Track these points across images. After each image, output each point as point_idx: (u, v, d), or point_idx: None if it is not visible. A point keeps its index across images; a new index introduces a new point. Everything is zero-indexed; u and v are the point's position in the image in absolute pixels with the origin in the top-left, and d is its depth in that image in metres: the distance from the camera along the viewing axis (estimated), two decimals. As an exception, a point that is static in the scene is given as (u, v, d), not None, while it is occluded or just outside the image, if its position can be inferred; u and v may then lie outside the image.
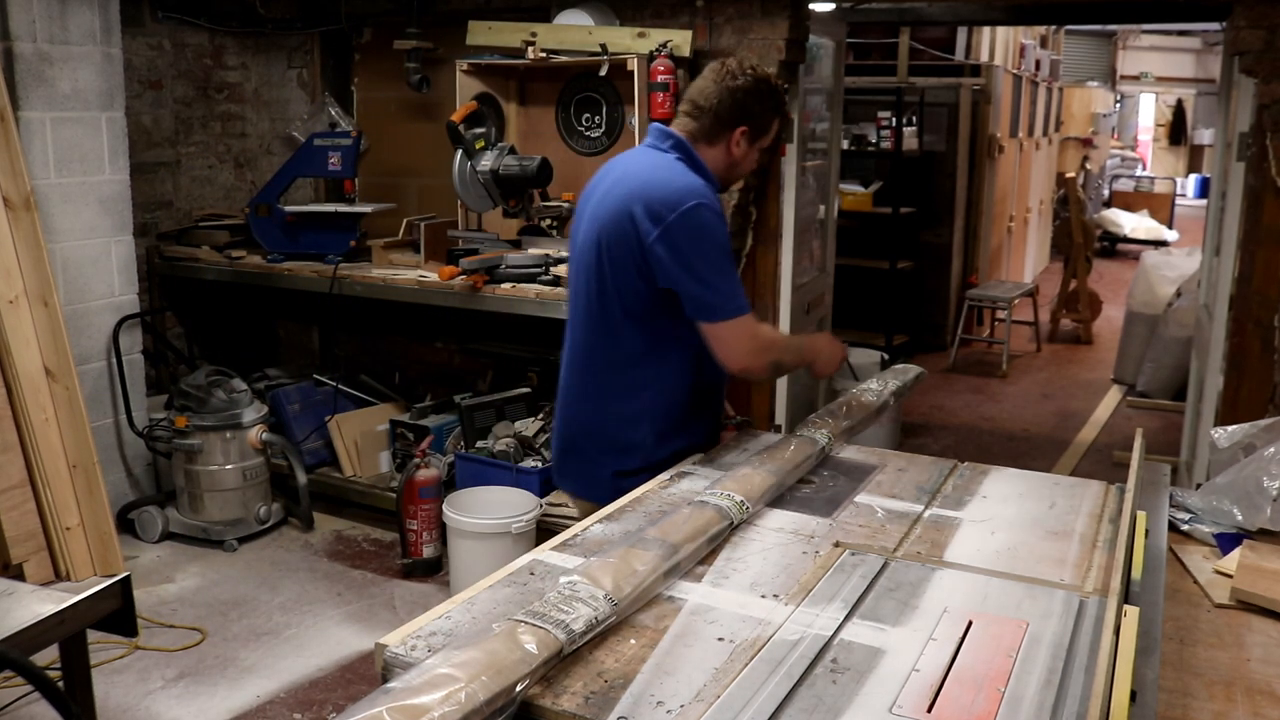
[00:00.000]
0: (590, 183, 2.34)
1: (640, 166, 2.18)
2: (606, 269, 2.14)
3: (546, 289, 3.95)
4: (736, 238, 4.52)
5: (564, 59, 4.29)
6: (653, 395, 2.23)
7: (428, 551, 4.07)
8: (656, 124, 2.27)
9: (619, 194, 2.14)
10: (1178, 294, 6.61)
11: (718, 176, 2.23)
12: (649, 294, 2.12)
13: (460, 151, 4.16)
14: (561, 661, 1.34)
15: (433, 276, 4.19)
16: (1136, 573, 1.65)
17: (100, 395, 4.24)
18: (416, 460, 4.12)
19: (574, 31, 4.29)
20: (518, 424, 4.38)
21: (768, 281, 4.64)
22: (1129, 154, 16.93)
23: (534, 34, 4.29)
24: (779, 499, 1.94)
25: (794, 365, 2.40)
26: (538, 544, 2.07)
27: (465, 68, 4.41)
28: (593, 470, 2.29)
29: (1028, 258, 10.05)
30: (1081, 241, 8.26)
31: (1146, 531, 1.83)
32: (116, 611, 2.12)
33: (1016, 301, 7.69)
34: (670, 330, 2.16)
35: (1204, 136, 17.41)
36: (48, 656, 2.15)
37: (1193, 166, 18.18)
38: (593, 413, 2.28)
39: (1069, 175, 9.14)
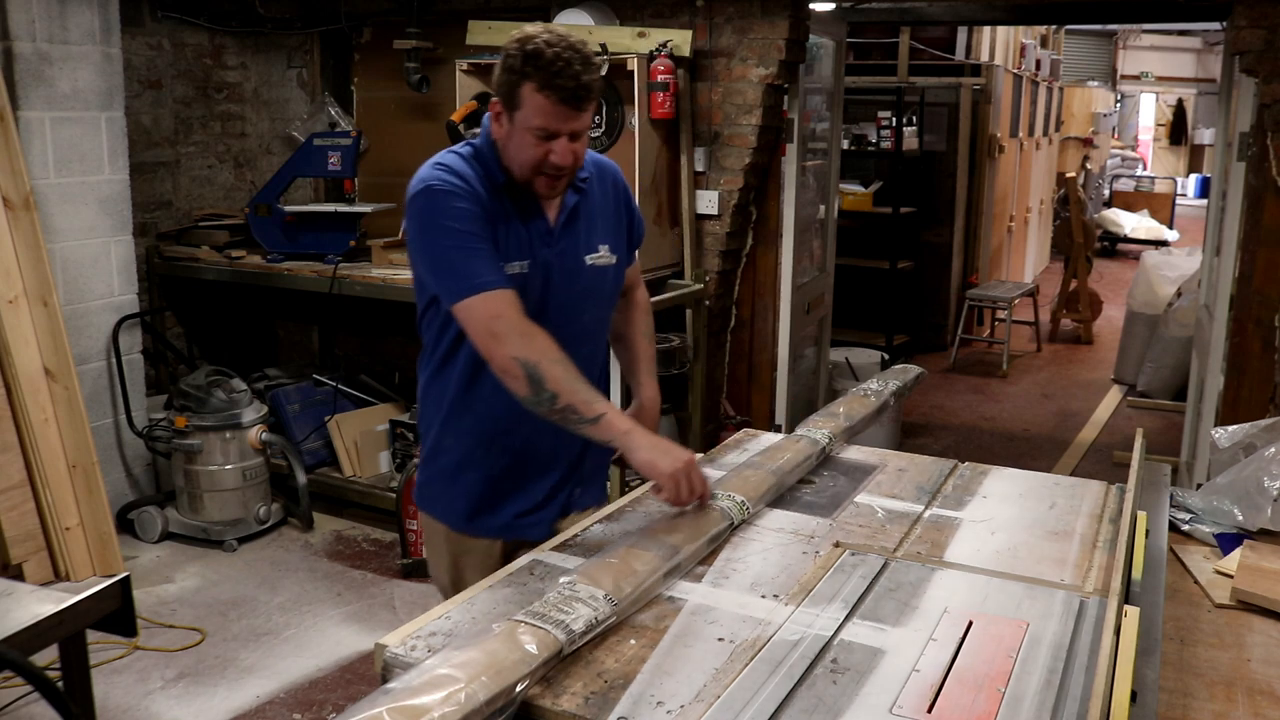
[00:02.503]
0: None
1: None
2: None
3: (546, 289, 3.94)
4: (736, 238, 4.53)
5: (564, 59, 4.28)
6: (433, 408, 2.19)
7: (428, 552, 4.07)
8: None
9: None
10: (1178, 294, 6.61)
11: (510, 164, 1.91)
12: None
13: (460, 151, 4.15)
14: (561, 662, 1.34)
15: (433, 276, 4.19)
16: (1137, 573, 1.64)
17: (100, 395, 4.24)
18: (416, 460, 4.12)
19: (574, 31, 4.29)
20: (518, 424, 4.37)
21: (768, 281, 4.64)
22: (1129, 154, 16.92)
23: (534, 34, 4.29)
24: (779, 499, 1.94)
25: (566, 407, 1.80)
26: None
27: (465, 67, 4.41)
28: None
29: (1028, 258, 10.05)
30: (1082, 241, 8.26)
31: (1147, 532, 1.82)
32: (116, 612, 2.12)
33: (1017, 301, 7.69)
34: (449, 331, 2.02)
35: (1204, 136, 17.41)
36: (47, 657, 2.15)
37: (1193, 166, 18.17)
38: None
39: (1069, 175, 9.14)
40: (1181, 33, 14.65)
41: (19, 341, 3.72)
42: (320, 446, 4.72)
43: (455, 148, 1.99)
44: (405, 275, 4.32)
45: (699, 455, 2.23)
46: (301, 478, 4.38)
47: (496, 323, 1.81)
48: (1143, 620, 1.44)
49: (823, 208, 5.13)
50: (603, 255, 2.02)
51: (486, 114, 1.94)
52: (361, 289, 4.39)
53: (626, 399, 2.30)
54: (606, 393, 2.14)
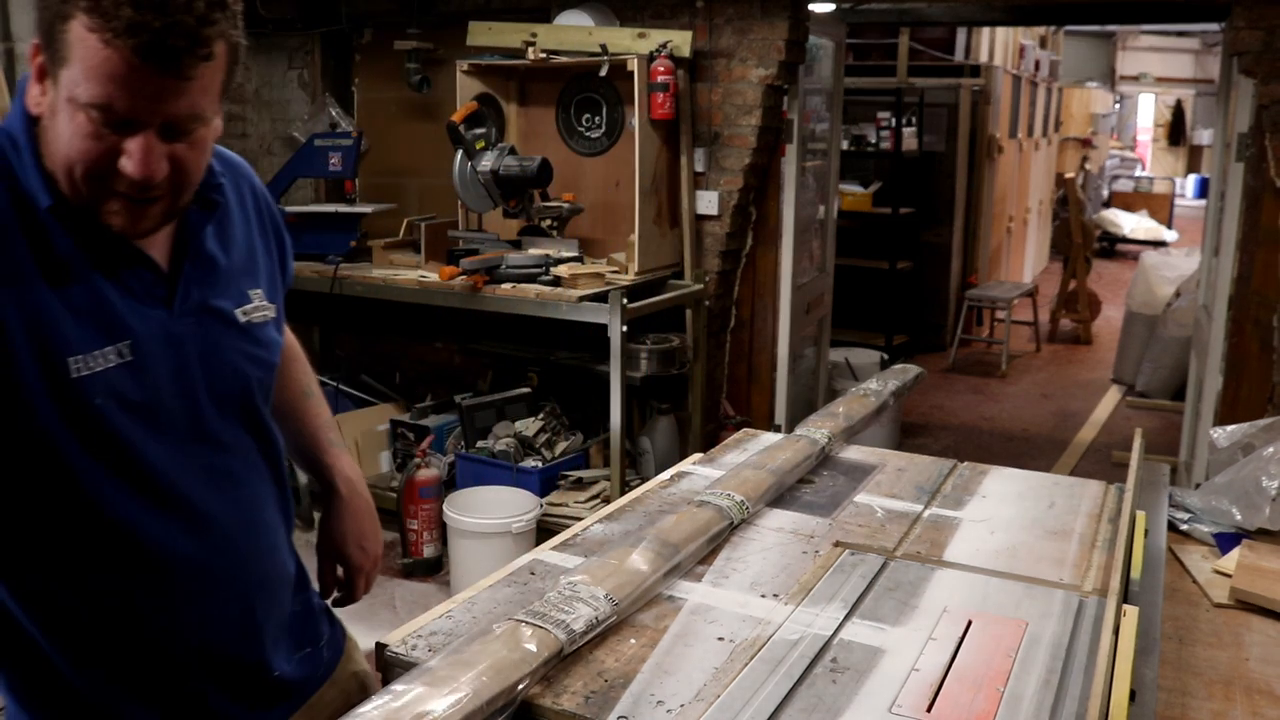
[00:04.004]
0: None
1: None
2: None
3: (546, 289, 3.95)
4: (736, 238, 4.53)
5: (564, 59, 4.29)
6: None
7: (428, 551, 4.07)
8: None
9: None
10: (1177, 294, 6.62)
11: (54, 167, 1.09)
12: None
13: (460, 152, 4.16)
14: (562, 661, 1.34)
15: (433, 276, 4.20)
16: (1136, 572, 1.65)
17: (100, 395, 4.24)
18: (417, 460, 4.13)
19: (574, 32, 4.30)
20: (518, 424, 4.38)
21: (767, 281, 4.65)
22: (1128, 154, 16.93)
23: (534, 34, 4.29)
24: (779, 499, 1.94)
25: None
26: (538, 544, 2.08)
27: (465, 68, 4.41)
28: None
29: (1027, 258, 10.06)
30: (1081, 242, 8.27)
31: (1146, 531, 1.83)
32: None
33: (1016, 302, 7.69)
34: None
35: (1203, 137, 17.40)
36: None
37: (1192, 167, 18.17)
38: None
39: (1068, 175, 9.14)
40: (1180, 34, 14.65)
41: (20, 342, 3.72)
42: (320, 446, 4.72)
43: None
44: (406, 275, 4.33)
45: (699, 456, 2.24)
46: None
47: None
48: (1141, 619, 1.45)
49: (822, 208, 5.14)
50: (259, 307, 1.29)
51: (21, 79, 1.13)
52: (362, 289, 4.39)
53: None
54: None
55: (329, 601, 1.54)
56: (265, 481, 1.31)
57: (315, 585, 1.49)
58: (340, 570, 1.55)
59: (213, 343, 1.21)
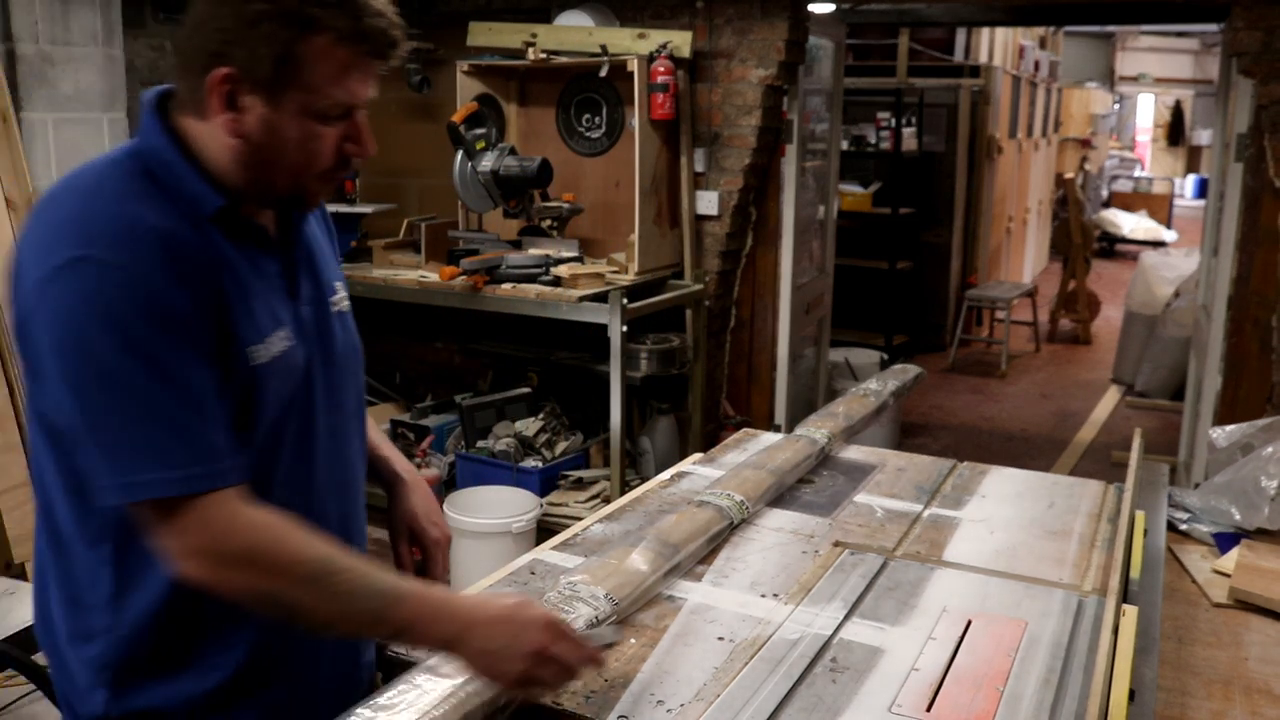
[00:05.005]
0: None
1: (64, 180, 1.21)
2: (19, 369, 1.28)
3: (547, 289, 3.96)
4: (736, 238, 4.53)
5: (564, 60, 4.29)
6: (68, 598, 1.30)
7: (428, 551, 4.07)
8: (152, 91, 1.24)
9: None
10: (1176, 294, 6.63)
11: (243, 175, 1.21)
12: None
13: (461, 152, 4.16)
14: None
15: (433, 277, 4.20)
16: (1135, 572, 1.65)
17: (101, 395, 4.25)
18: (417, 460, 4.13)
19: (574, 32, 4.30)
20: (518, 424, 4.38)
21: (767, 282, 4.65)
22: (1127, 154, 16.94)
23: (534, 35, 4.30)
24: (779, 499, 1.94)
25: (354, 628, 1.25)
26: (538, 544, 2.08)
27: (466, 68, 4.42)
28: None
29: (1027, 258, 10.06)
30: (1080, 242, 8.27)
31: (1145, 531, 1.83)
32: (118, 611, 2.12)
33: (1015, 302, 7.70)
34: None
35: (1202, 137, 17.40)
36: (50, 656, 2.15)
37: (1191, 167, 18.17)
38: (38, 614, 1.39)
39: (1068, 176, 9.15)
40: (1179, 34, 14.65)
41: (20, 342, 3.73)
42: (320, 447, 4.73)
43: (102, 162, 1.22)
44: (406, 275, 4.33)
45: (699, 456, 2.25)
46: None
47: (220, 546, 1.14)
48: (1141, 619, 1.45)
49: (822, 208, 5.14)
50: (342, 298, 1.42)
51: (146, 99, 1.22)
52: (362, 289, 4.39)
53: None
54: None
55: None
56: (360, 452, 1.45)
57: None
58: (416, 551, 1.58)
59: (321, 331, 1.33)
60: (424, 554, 1.57)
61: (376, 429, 1.57)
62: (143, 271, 1.12)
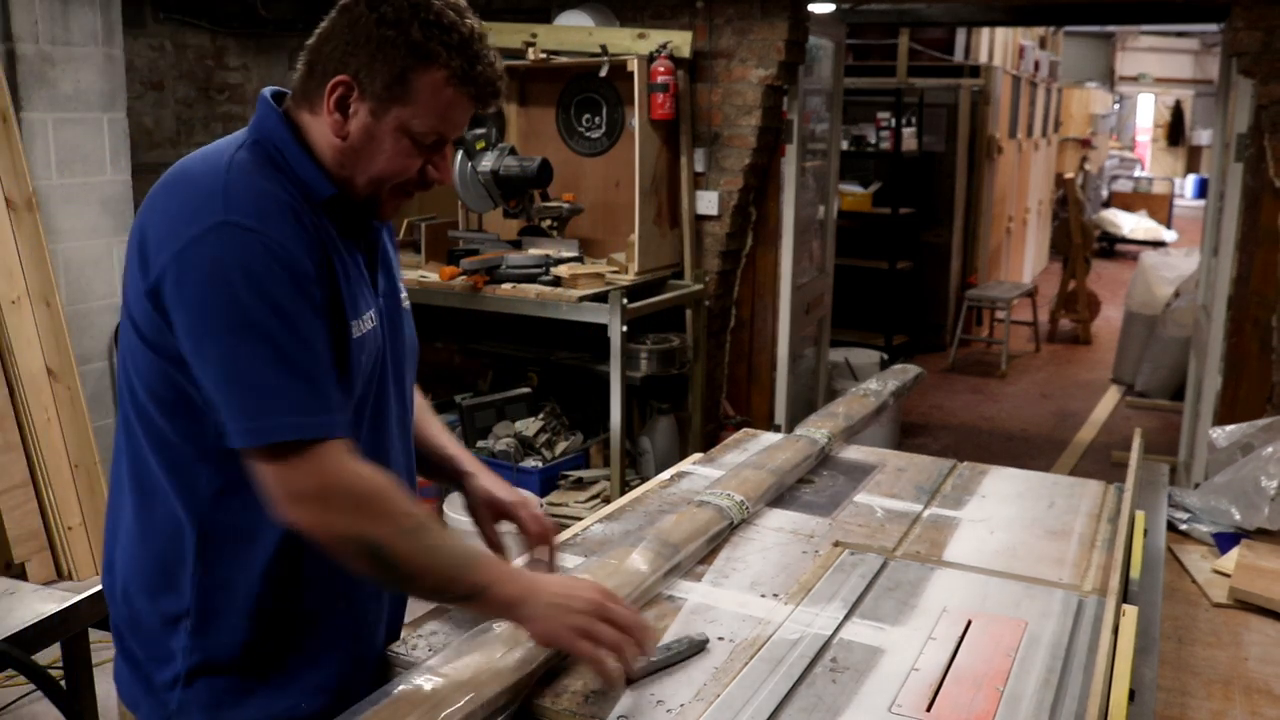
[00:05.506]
0: None
1: (181, 164, 1.34)
2: (126, 329, 1.33)
3: (547, 289, 3.96)
4: (736, 238, 4.53)
5: (564, 60, 4.29)
6: (142, 546, 1.37)
7: (428, 551, 4.08)
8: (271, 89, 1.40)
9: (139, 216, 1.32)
10: (1176, 294, 6.63)
11: (338, 171, 1.34)
12: (161, 373, 1.29)
13: (461, 152, 4.16)
14: (562, 661, 1.34)
15: (433, 277, 4.20)
16: (1135, 572, 1.65)
17: (102, 395, 4.25)
18: (417, 460, 4.13)
19: (574, 32, 4.30)
20: (518, 424, 4.39)
21: (767, 282, 4.65)
22: (1127, 154, 16.94)
23: (534, 35, 4.30)
24: (779, 499, 1.94)
25: (434, 584, 1.30)
26: (538, 544, 2.08)
27: (465, 68, 4.41)
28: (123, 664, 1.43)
29: (1027, 258, 10.06)
30: (1080, 242, 8.27)
31: (1145, 531, 1.84)
32: (118, 611, 2.12)
33: (1015, 302, 7.70)
34: (193, 440, 1.30)
35: (1202, 137, 17.41)
36: (50, 656, 2.16)
37: (1191, 167, 18.18)
38: (117, 556, 1.42)
39: (1068, 176, 9.15)
40: (1179, 34, 14.65)
41: (21, 342, 3.73)
42: (321, 447, 4.72)
43: (226, 144, 1.33)
44: (408, 275, 4.30)
45: (699, 456, 2.25)
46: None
47: (331, 490, 1.23)
48: (1141, 619, 1.45)
49: (822, 208, 5.14)
50: (406, 298, 1.54)
51: (265, 94, 1.36)
52: (362, 289, 4.39)
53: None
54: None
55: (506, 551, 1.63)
56: (405, 438, 1.53)
57: None
58: (508, 530, 1.63)
59: (395, 322, 1.47)
60: (515, 520, 1.62)
61: (445, 429, 1.67)
62: (278, 238, 1.24)
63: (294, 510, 1.23)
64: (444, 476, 1.65)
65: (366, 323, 1.36)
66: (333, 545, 1.24)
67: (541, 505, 1.65)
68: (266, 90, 1.38)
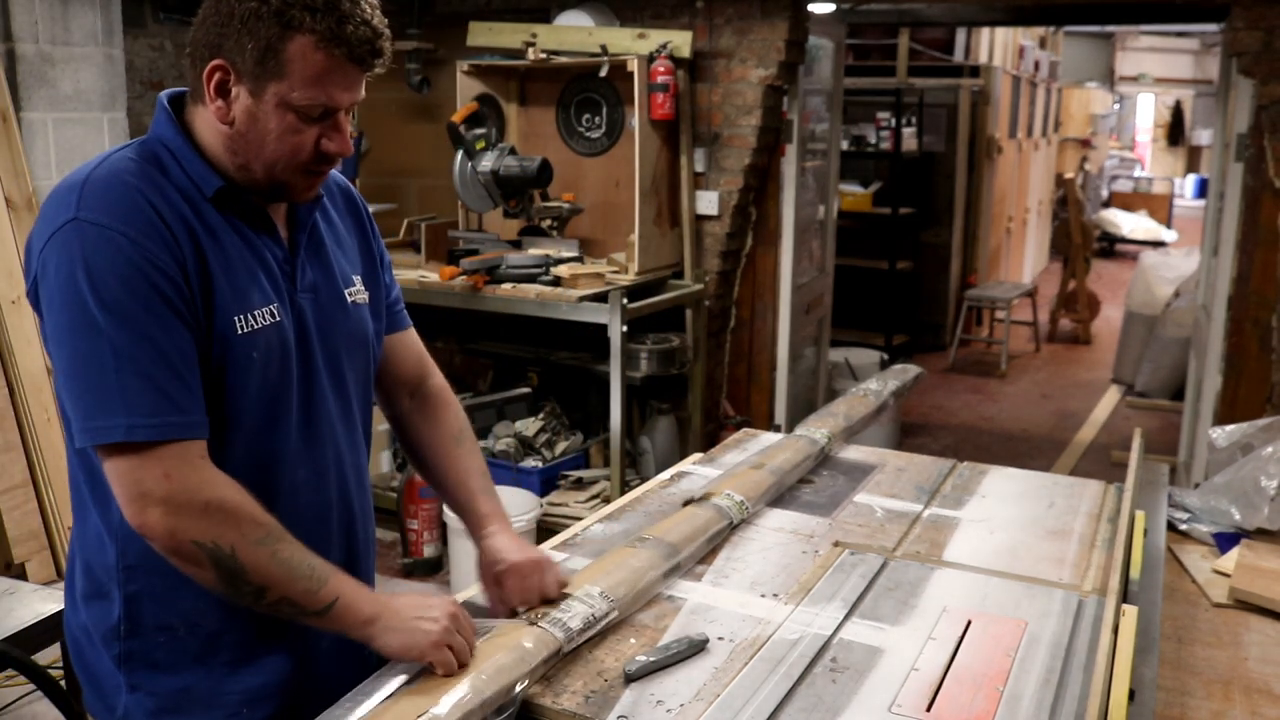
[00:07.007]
0: None
1: (66, 177, 1.32)
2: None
3: (547, 289, 3.96)
4: (736, 238, 4.53)
5: (564, 60, 4.29)
6: (80, 554, 1.38)
7: (428, 551, 4.08)
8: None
9: None
10: (1176, 294, 6.63)
11: (232, 160, 1.30)
12: None
13: (461, 152, 4.16)
14: (562, 660, 1.34)
15: (433, 276, 4.20)
16: (1135, 572, 1.65)
17: (101, 395, 4.25)
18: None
19: (574, 32, 4.30)
20: (518, 424, 4.38)
21: (767, 282, 4.65)
22: (1127, 154, 16.93)
23: (534, 35, 4.30)
24: (779, 499, 1.94)
25: (283, 596, 1.24)
26: (538, 543, 2.08)
27: (466, 68, 4.41)
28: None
29: (1026, 258, 10.06)
30: (1080, 242, 8.27)
31: (1145, 531, 1.83)
32: (118, 611, 2.12)
33: (1015, 302, 7.70)
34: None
35: (1202, 137, 17.40)
36: (50, 655, 2.16)
37: (1191, 167, 18.18)
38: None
39: (1068, 176, 9.15)
40: (1179, 34, 14.64)
41: (21, 341, 3.73)
42: (320, 446, 4.72)
43: (113, 149, 1.33)
44: (407, 275, 4.33)
45: (699, 456, 2.25)
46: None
47: (176, 494, 1.20)
48: (1141, 619, 1.45)
49: (822, 208, 5.14)
50: (359, 291, 1.47)
51: (161, 96, 1.35)
52: (362, 289, 4.39)
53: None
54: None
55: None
56: (351, 433, 1.48)
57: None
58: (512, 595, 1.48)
59: (327, 315, 1.41)
60: (516, 579, 1.46)
61: (476, 476, 1.62)
62: (127, 232, 1.21)
63: (139, 513, 1.20)
64: (464, 520, 1.59)
65: (262, 317, 1.31)
66: (178, 551, 1.21)
67: (551, 563, 1.50)
68: (164, 93, 1.37)
